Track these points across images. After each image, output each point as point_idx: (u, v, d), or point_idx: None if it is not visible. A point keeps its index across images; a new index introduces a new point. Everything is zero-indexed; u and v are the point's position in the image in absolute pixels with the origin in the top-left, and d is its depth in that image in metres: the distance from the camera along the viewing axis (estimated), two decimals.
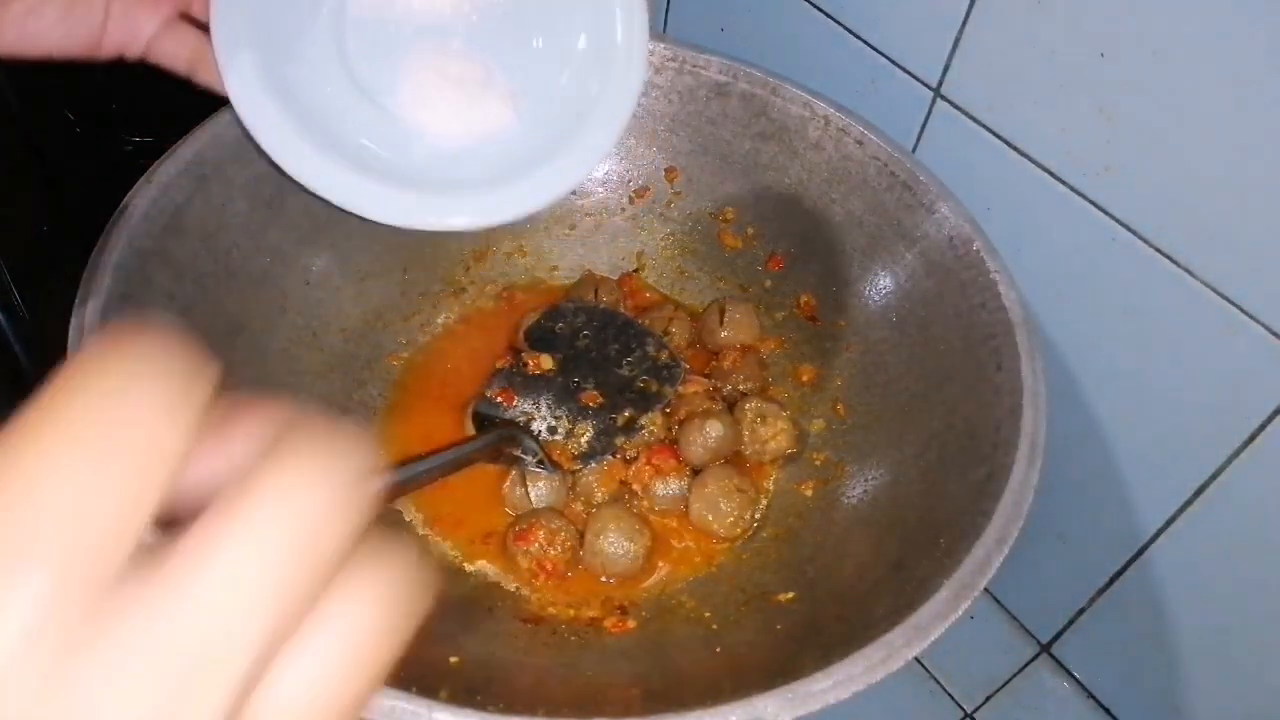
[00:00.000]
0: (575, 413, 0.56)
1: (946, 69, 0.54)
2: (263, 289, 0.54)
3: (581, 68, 0.46)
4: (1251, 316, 0.46)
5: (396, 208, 0.46)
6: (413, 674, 0.37)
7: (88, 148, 0.75)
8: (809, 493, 0.55)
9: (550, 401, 0.57)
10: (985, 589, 0.39)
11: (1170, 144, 0.46)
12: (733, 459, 0.56)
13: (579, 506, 0.54)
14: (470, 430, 0.55)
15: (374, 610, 0.16)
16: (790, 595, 0.49)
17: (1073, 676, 0.63)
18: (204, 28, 0.44)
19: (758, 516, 0.55)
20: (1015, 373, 0.46)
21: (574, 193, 0.65)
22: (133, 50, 0.44)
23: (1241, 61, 0.42)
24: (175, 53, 0.45)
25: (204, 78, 0.45)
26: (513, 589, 0.51)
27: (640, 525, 0.52)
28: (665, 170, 0.64)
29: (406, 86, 0.48)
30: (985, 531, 0.41)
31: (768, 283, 0.63)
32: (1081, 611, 0.60)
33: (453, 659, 0.45)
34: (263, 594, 0.14)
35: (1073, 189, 0.50)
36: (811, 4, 0.60)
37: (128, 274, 0.45)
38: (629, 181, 0.65)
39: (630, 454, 0.55)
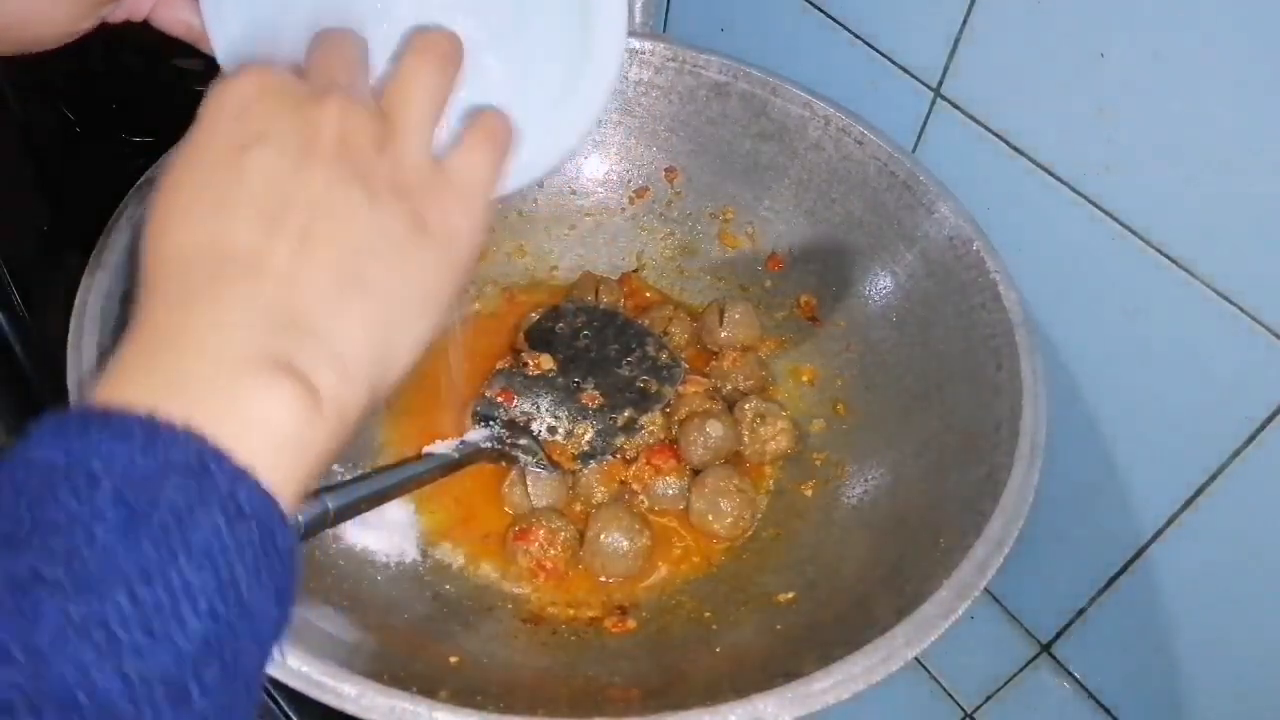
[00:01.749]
0: (575, 413, 0.56)
1: (946, 69, 0.54)
2: None
3: (561, 42, 0.45)
4: (1251, 317, 0.46)
5: None
6: (413, 674, 0.37)
7: (88, 148, 0.75)
8: (809, 493, 0.55)
9: (550, 401, 0.57)
10: (985, 589, 0.39)
11: (1170, 144, 0.46)
12: (733, 459, 0.56)
13: (579, 506, 0.54)
14: (470, 430, 0.55)
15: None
16: (790, 595, 0.49)
17: (1073, 676, 0.63)
18: None
19: (758, 516, 0.55)
20: (1015, 373, 0.46)
21: (574, 192, 0.65)
22: (137, 16, 0.44)
23: (1241, 61, 0.42)
24: (172, 24, 0.44)
25: (205, 48, 0.45)
26: (513, 589, 0.51)
27: (640, 525, 0.52)
28: (665, 170, 0.64)
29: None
30: (985, 531, 0.41)
31: (768, 283, 0.63)
32: (1081, 611, 0.60)
33: (453, 659, 0.45)
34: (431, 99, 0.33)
35: (1073, 189, 0.50)
36: (811, 4, 0.60)
37: (128, 274, 0.45)
38: (629, 181, 0.65)
39: (630, 454, 0.55)
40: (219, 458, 0.24)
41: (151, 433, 0.24)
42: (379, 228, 0.30)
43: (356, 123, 0.30)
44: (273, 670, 0.35)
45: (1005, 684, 0.67)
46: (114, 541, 0.22)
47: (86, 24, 0.41)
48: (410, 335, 0.31)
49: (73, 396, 0.40)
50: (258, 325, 0.27)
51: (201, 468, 0.24)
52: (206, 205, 0.29)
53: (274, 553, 0.24)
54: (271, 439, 0.26)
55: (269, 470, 0.25)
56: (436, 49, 0.34)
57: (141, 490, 0.23)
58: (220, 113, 0.30)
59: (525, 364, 0.58)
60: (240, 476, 0.24)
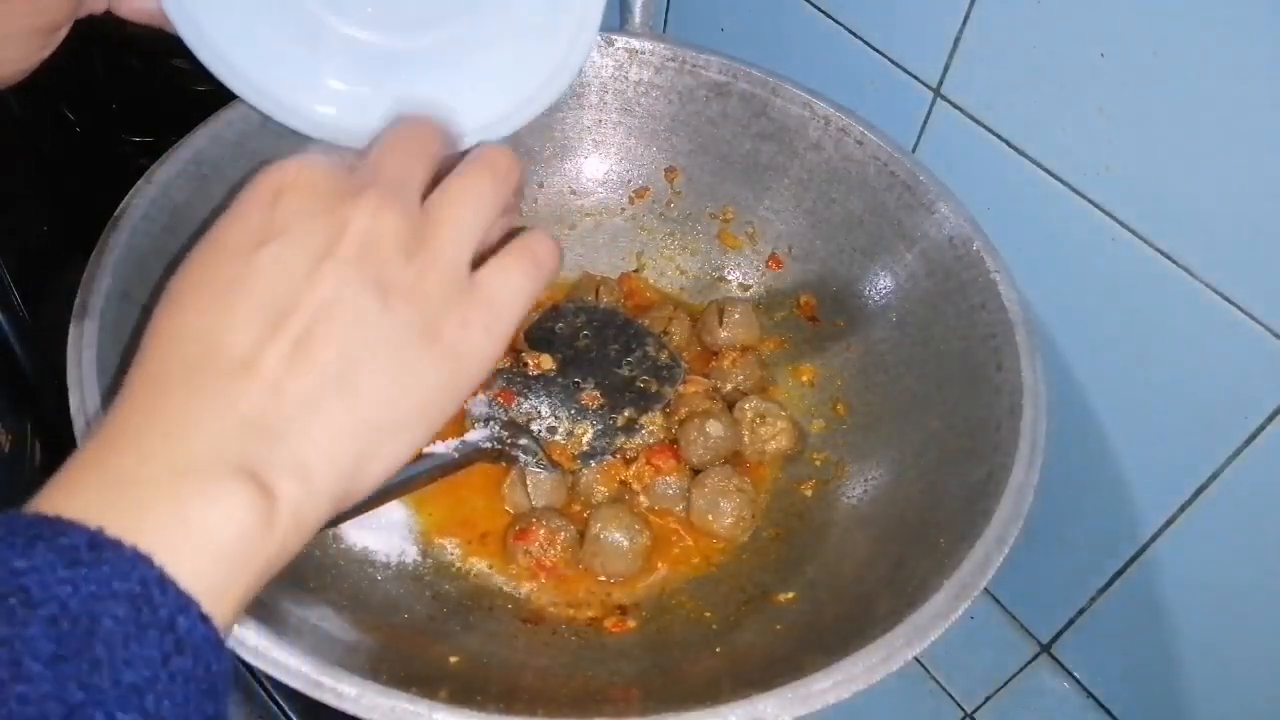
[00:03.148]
0: (575, 413, 0.56)
1: (946, 69, 0.54)
2: None
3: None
4: (1251, 316, 0.46)
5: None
6: (413, 674, 0.37)
7: (88, 148, 0.75)
8: (809, 493, 0.55)
9: (550, 401, 0.57)
10: (985, 589, 0.40)
11: (1170, 144, 0.46)
12: (733, 459, 0.56)
13: (579, 506, 0.54)
14: (470, 430, 0.55)
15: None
16: (790, 595, 0.49)
17: (1073, 676, 0.63)
18: None
19: (758, 516, 0.55)
20: (1015, 373, 0.46)
21: (574, 192, 0.65)
22: (98, 10, 0.42)
23: (1241, 61, 0.42)
24: (134, 13, 0.43)
25: (172, 31, 0.44)
26: (513, 589, 0.52)
27: (640, 524, 0.52)
28: (665, 170, 0.64)
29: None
30: (985, 531, 0.41)
31: (768, 283, 0.63)
32: (1081, 611, 0.60)
33: (453, 659, 0.45)
34: (477, 214, 0.33)
35: (1073, 189, 0.50)
36: (811, 4, 0.60)
37: (127, 274, 0.45)
38: (629, 181, 0.65)
39: (630, 454, 0.55)
40: (163, 585, 0.23)
41: (96, 555, 0.23)
42: (383, 335, 0.29)
43: (387, 225, 0.29)
44: (274, 670, 0.35)
45: (1005, 684, 0.67)
46: (41, 677, 0.22)
47: (45, 53, 0.40)
48: (394, 447, 0.29)
49: (73, 395, 0.40)
50: (227, 426, 0.26)
51: (144, 595, 0.23)
52: (212, 294, 0.28)
53: (206, 684, 0.24)
54: (218, 550, 0.25)
55: (210, 585, 0.24)
56: (496, 167, 0.34)
57: (77, 622, 0.22)
58: (253, 202, 0.30)
59: (525, 364, 0.58)
60: (183, 605, 0.23)
